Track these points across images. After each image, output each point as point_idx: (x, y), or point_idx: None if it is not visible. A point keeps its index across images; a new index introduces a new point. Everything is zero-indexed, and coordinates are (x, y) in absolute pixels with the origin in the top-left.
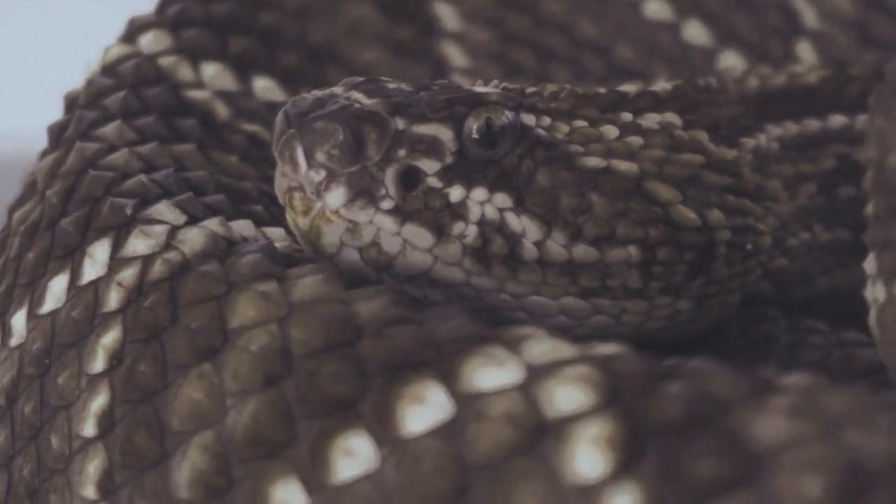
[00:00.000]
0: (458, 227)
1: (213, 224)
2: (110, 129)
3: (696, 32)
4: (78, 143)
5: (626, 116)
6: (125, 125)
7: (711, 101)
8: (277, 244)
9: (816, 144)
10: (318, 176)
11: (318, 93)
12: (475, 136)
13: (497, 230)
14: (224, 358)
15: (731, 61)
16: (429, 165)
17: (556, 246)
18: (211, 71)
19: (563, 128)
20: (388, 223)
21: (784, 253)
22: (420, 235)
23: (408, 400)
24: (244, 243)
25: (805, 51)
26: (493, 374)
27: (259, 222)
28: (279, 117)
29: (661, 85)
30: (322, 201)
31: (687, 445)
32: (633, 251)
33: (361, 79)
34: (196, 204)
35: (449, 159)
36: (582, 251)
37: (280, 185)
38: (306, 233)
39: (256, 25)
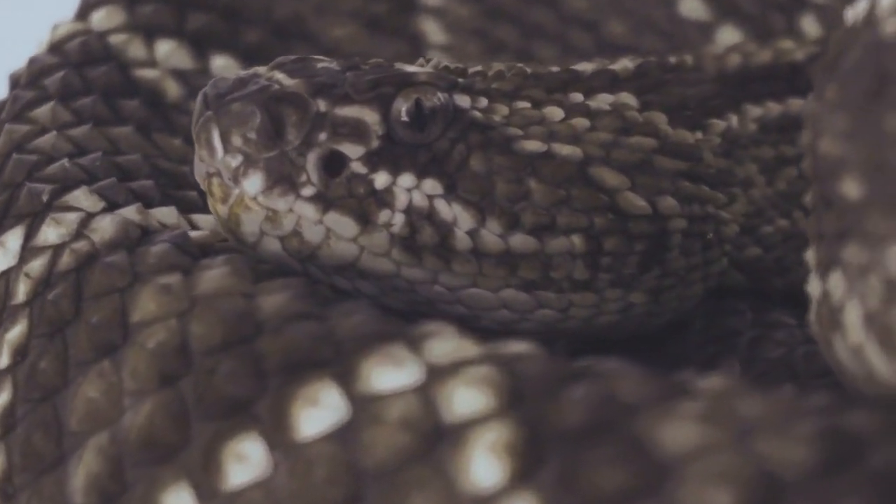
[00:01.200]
0: (383, 216)
1: (129, 212)
2: (43, 111)
3: (692, 6)
4: (8, 125)
5: (576, 97)
6: (60, 106)
7: (679, 80)
8: (199, 233)
9: (800, 125)
10: (235, 161)
11: (241, 73)
12: (404, 118)
13: (426, 218)
14: (123, 355)
15: (729, 37)
16: (352, 150)
17: (491, 235)
18: (165, 48)
19: (502, 109)
20: (309, 211)
21: (758, 242)
22: (343, 224)
23: (302, 401)
24: (158, 232)
25: (810, 25)
26: (391, 374)
27: (191, 208)
28: (198, 98)
29: (623, 63)
30: (239, 188)
31: (589, 453)
32: (576, 241)
33: (292, 57)
34: (119, 190)
35: (375, 143)
36: (520, 241)
37: (199, 170)
38: (226, 221)
39: (218, 0)
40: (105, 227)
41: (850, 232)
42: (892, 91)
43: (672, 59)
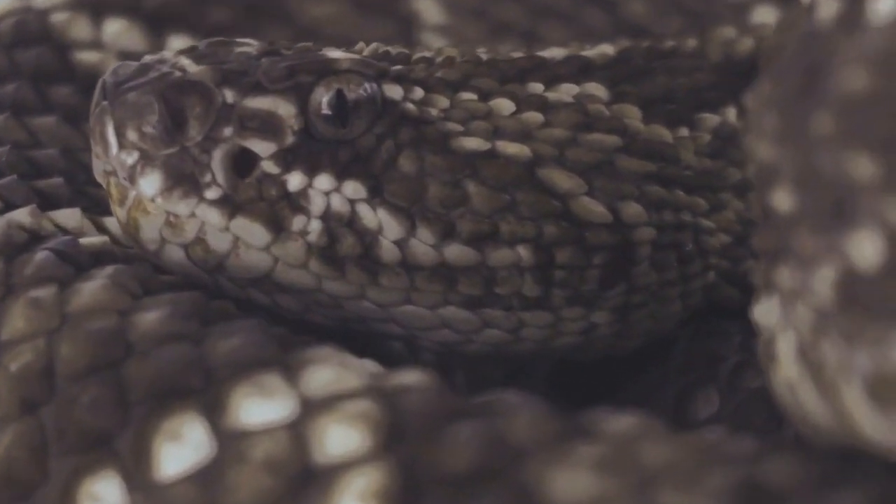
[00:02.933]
0: (298, 222)
1: (20, 214)
2: None
3: None
4: None
5: (535, 87)
6: None
7: (668, 68)
8: (93, 239)
9: None
10: (131, 158)
11: (148, 57)
12: (324, 111)
13: (347, 226)
14: None
15: (767, 17)
16: (263, 147)
17: (423, 245)
18: (114, 28)
19: (442, 102)
20: (213, 216)
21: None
22: (253, 231)
23: (165, 436)
24: (47, 238)
25: None
26: (261, 407)
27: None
28: (97, 86)
29: (602, 48)
30: (136, 189)
31: (471, 502)
32: (523, 252)
33: (211, 41)
34: (20, 188)
35: (289, 139)
36: (455, 252)
37: (97, 168)
38: (126, 225)
39: None
40: None
41: (783, 251)
42: (821, 87)
43: (668, 44)
